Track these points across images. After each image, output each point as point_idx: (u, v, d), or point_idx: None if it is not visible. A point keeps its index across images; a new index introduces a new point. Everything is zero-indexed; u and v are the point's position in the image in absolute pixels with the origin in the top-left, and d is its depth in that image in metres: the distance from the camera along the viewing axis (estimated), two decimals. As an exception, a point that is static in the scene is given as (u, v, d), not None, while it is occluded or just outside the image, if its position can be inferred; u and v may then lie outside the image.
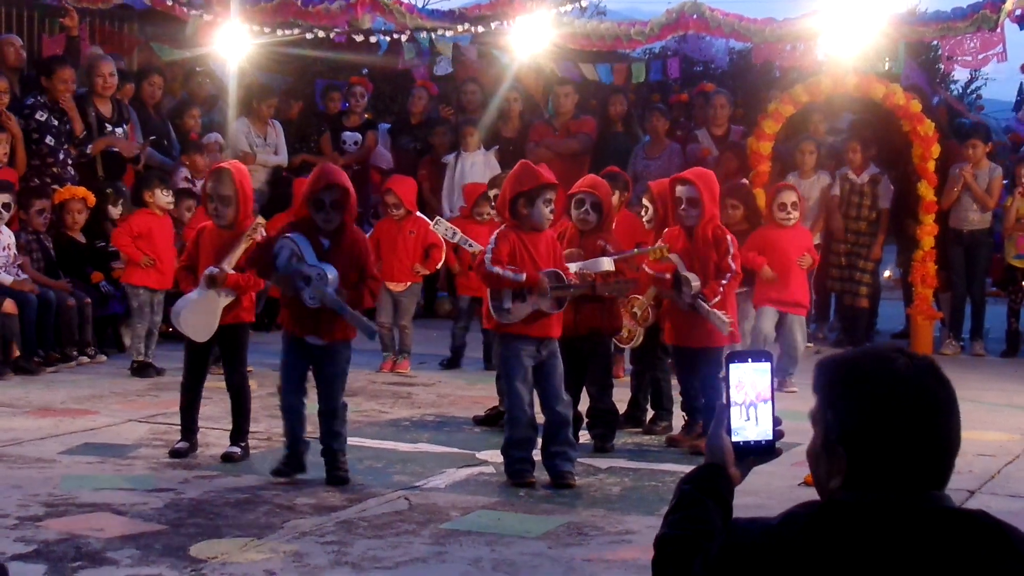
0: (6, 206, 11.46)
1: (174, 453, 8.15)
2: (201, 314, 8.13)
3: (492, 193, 10.03)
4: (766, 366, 3.04)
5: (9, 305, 10.94)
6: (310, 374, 7.82)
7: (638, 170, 13.56)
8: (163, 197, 11.63)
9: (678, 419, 9.19)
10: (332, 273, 7.49)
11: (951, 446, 2.73)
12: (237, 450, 8.15)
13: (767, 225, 11.13)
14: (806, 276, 11.31)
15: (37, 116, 12.31)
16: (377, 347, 11.34)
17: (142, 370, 11.16)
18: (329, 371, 7.74)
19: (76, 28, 14.42)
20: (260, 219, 8.28)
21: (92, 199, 12.30)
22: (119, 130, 13.17)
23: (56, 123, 12.52)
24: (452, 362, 12.08)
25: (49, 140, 12.33)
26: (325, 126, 15.81)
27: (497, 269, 7.64)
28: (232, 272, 8.05)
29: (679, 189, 8.74)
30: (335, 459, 7.67)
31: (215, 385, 8.73)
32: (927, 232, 13.41)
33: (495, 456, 7.95)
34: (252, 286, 8.17)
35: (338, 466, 7.65)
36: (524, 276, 7.61)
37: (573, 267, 8.11)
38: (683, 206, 8.68)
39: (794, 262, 10.93)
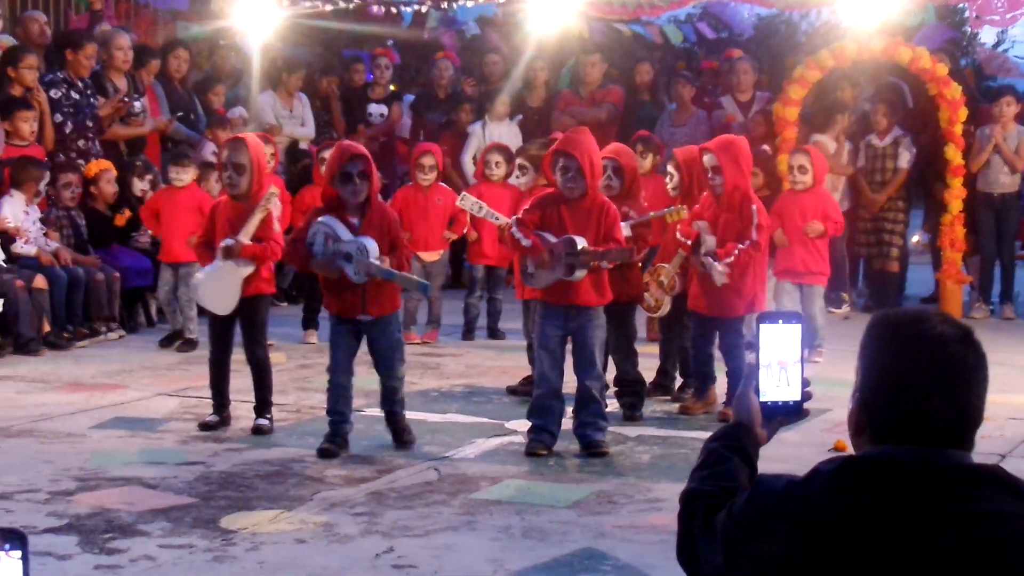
0: (45, 183, 11.55)
1: (204, 426, 8.18)
2: (220, 287, 8.15)
3: (519, 162, 10.00)
4: (796, 328, 3.03)
5: (39, 280, 10.98)
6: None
7: (664, 138, 13.51)
8: (178, 173, 11.63)
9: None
10: (371, 244, 7.52)
11: (973, 409, 2.73)
12: (265, 422, 8.17)
13: (785, 191, 11.06)
14: (825, 243, 11.03)
15: (51, 93, 12.31)
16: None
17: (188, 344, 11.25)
18: (384, 344, 7.82)
19: (100, 2, 14.44)
20: (274, 188, 8.26)
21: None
22: (137, 104, 13.18)
23: (77, 97, 12.52)
24: (466, 334, 12.04)
25: (58, 117, 12.32)
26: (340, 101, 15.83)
27: (516, 233, 7.66)
28: (248, 243, 8.06)
29: (705, 157, 8.73)
30: (401, 424, 7.84)
31: (242, 358, 8.74)
32: (955, 196, 13.33)
33: (524, 425, 7.95)
34: (269, 256, 8.17)
35: (405, 429, 7.84)
36: (530, 242, 7.60)
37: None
38: (709, 174, 8.67)
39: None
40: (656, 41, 16.59)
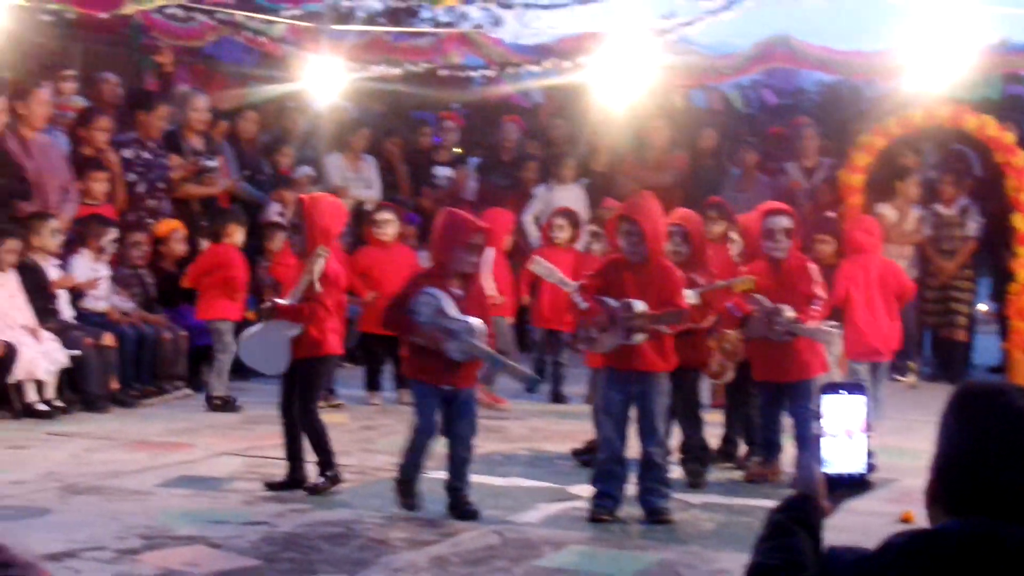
0: (112, 242, 11.71)
1: (269, 486, 8.22)
2: (263, 348, 8.18)
3: (592, 228, 10.05)
4: (861, 399, 3.03)
5: (108, 338, 11.13)
6: None
7: (728, 204, 13.51)
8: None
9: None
10: (480, 326, 7.52)
11: None
12: (320, 480, 8.20)
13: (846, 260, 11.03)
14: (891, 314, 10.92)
15: (123, 153, 12.51)
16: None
17: (226, 407, 11.31)
18: (464, 419, 7.75)
19: (170, 65, 14.68)
20: (321, 249, 8.25)
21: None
22: (211, 163, 13.36)
23: (148, 157, 12.71)
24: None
25: (130, 177, 12.51)
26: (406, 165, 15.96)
27: (575, 297, 7.70)
28: (285, 303, 8.09)
29: (773, 220, 8.72)
30: (462, 497, 7.73)
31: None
32: (1023, 264, 13.24)
33: (587, 491, 7.93)
34: (304, 317, 8.15)
35: (466, 502, 7.71)
36: (587, 305, 7.62)
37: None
38: (776, 238, 8.66)
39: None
40: (715, 107, 16.63)
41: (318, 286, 8.15)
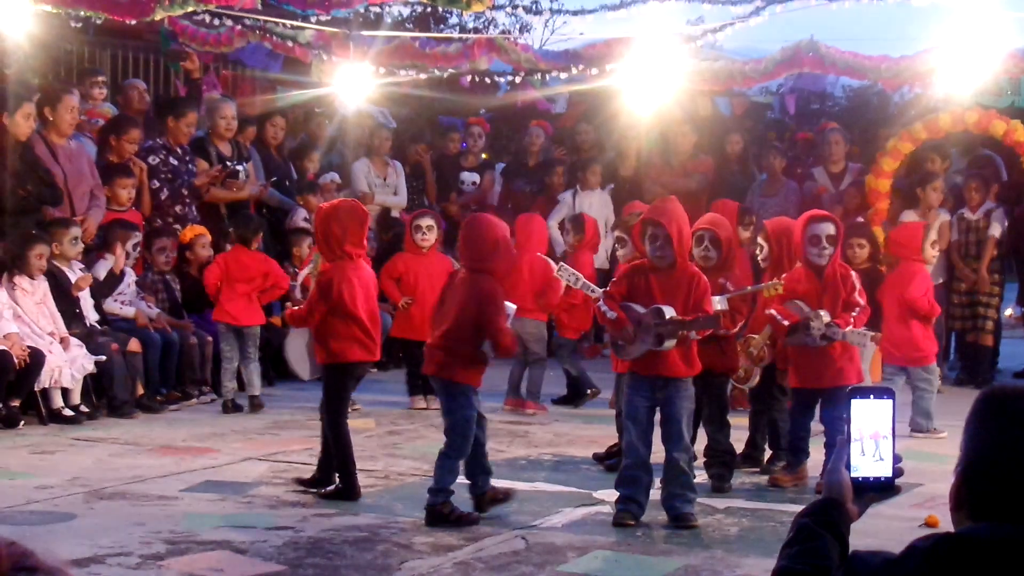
0: (135, 246, 11.75)
1: (300, 482, 8.32)
2: (293, 352, 8.26)
3: (617, 234, 10.03)
4: (888, 403, 3.02)
5: (134, 343, 11.17)
6: None
7: (755, 208, 13.50)
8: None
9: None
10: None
11: None
12: (331, 487, 8.23)
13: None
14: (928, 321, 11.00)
15: (149, 160, 12.56)
16: (495, 387, 11.35)
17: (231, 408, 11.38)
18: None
19: (197, 71, 14.73)
20: (315, 255, 8.24)
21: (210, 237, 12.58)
22: (240, 167, 13.39)
23: (175, 164, 12.75)
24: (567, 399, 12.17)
25: (155, 183, 12.56)
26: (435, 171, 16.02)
27: (602, 307, 7.68)
28: (292, 309, 8.15)
29: (818, 227, 8.68)
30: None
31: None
32: (1049, 269, 13.20)
33: (612, 495, 7.91)
34: (294, 321, 8.21)
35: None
36: (615, 315, 7.60)
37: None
38: (822, 244, 8.62)
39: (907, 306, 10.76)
40: (738, 114, 16.64)
41: (298, 292, 8.12)
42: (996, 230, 13.29)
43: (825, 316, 8.48)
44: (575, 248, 12.07)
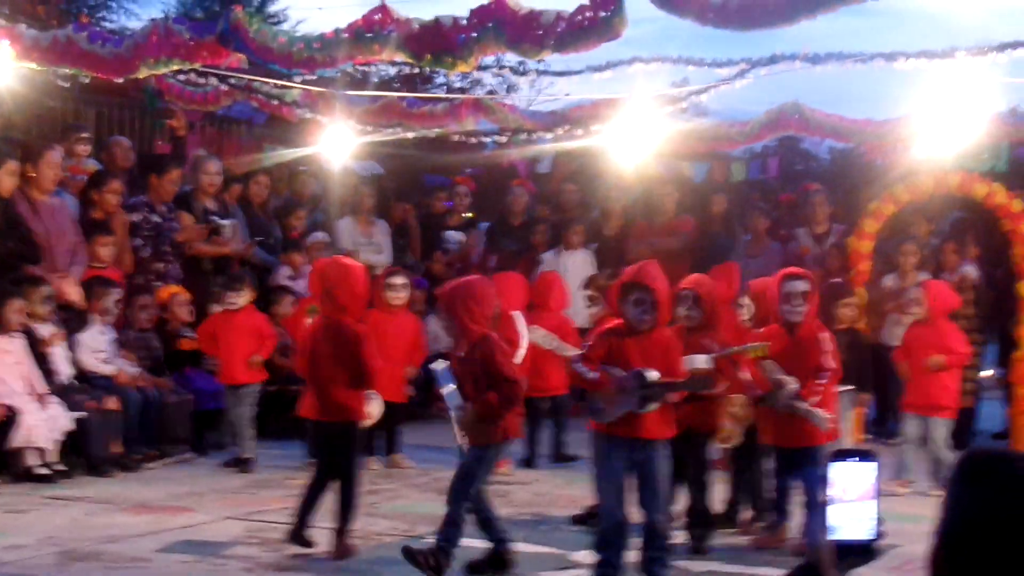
0: (115, 303, 11.69)
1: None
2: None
3: (589, 293, 9.99)
4: (871, 465, 3.00)
5: (112, 401, 11.08)
6: None
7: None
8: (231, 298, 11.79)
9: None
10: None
11: None
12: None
13: (911, 325, 11.27)
14: (953, 376, 11.07)
15: (132, 217, 12.53)
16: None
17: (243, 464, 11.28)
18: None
19: (183, 129, 14.74)
20: (310, 308, 8.34)
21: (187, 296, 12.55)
22: (224, 221, 13.38)
23: (158, 221, 12.72)
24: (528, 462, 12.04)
25: (137, 242, 12.53)
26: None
27: (579, 368, 7.60)
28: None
29: (792, 284, 8.66)
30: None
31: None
32: (1028, 331, 13.20)
33: (590, 558, 7.82)
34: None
35: None
36: (596, 375, 7.51)
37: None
38: (794, 301, 8.59)
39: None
40: (716, 178, 16.70)
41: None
42: (971, 273, 13.39)
43: (792, 384, 8.41)
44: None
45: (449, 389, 7.67)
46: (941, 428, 10.83)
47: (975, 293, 13.49)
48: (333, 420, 8.29)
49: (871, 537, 3.01)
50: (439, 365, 7.79)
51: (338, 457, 8.29)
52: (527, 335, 9.72)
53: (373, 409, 8.45)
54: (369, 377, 8.27)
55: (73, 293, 11.52)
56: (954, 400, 11.02)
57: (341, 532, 8.16)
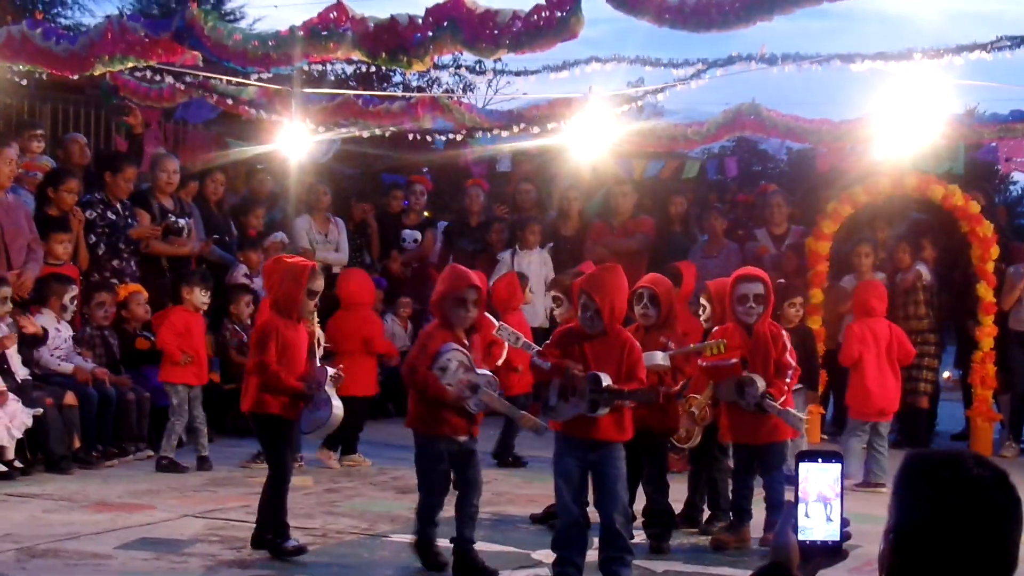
0: (72, 299, 11.62)
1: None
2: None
3: (553, 293, 10.02)
4: (836, 466, 3.03)
5: (70, 397, 11.02)
6: None
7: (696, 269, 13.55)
8: (200, 296, 11.70)
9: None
10: (494, 379, 7.68)
11: (1007, 555, 2.71)
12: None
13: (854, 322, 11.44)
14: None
15: (87, 214, 12.46)
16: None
17: (170, 467, 11.18)
18: (473, 472, 7.91)
19: (139, 126, 14.68)
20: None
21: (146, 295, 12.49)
22: (181, 221, 13.33)
23: (113, 218, 12.67)
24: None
25: (92, 239, 12.48)
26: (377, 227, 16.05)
27: (536, 360, 7.66)
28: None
29: (746, 286, 8.71)
30: (470, 553, 7.79)
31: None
32: (986, 333, 13.33)
33: (550, 556, 7.84)
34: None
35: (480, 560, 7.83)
36: (548, 365, 7.55)
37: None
38: (749, 303, 8.65)
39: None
40: (662, 176, 16.79)
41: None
42: (923, 272, 13.53)
43: (760, 383, 8.46)
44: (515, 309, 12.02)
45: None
46: (885, 429, 11.07)
47: (928, 294, 13.61)
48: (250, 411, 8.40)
49: (837, 538, 3.04)
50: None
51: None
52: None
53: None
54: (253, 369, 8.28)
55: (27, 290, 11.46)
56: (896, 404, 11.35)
57: (261, 525, 8.17)
